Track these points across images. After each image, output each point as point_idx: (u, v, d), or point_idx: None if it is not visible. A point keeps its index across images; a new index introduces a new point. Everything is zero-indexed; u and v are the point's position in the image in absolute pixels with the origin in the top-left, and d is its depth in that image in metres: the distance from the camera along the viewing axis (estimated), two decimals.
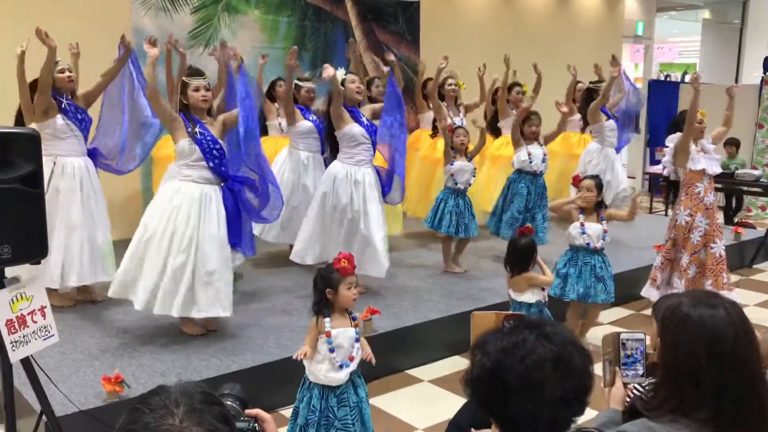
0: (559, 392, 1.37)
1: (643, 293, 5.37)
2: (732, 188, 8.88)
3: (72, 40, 5.93)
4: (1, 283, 2.61)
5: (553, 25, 10.36)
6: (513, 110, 7.07)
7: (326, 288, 3.03)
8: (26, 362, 2.72)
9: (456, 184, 5.69)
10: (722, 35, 14.37)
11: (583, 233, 4.63)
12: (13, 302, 2.61)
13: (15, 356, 2.61)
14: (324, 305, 3.05)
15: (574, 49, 10.22)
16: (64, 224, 4.57)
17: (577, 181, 4.82)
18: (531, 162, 5.79)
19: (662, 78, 14.05)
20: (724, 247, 5.12)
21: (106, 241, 4.81)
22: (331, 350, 3.01)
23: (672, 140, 5.09)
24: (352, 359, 3.07)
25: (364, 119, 5.00)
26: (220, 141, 4.20)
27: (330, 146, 5.12)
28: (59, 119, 4.57)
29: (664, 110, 11.16)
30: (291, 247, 6.04)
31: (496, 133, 7.27)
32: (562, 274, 4.70)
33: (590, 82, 7.11)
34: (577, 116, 7.34)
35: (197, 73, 4.29)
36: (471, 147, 5.85)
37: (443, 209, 5.70)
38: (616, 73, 6.51)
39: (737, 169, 8.74)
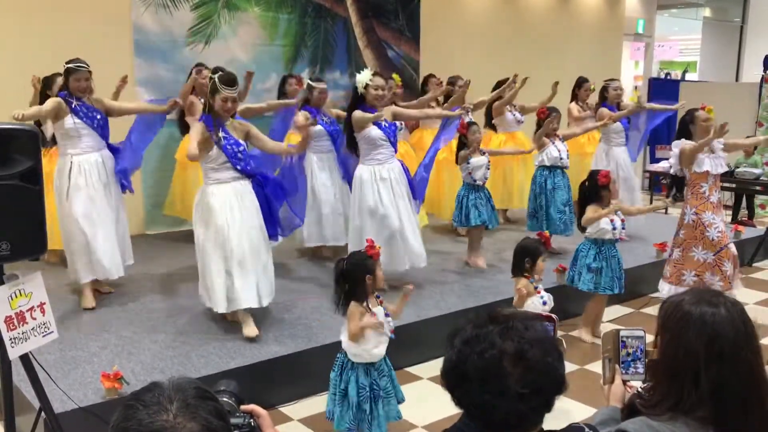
0: (519, 387, 1.37)
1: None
2: (732, 187, 8.87)
3: (71, 36, 5.95)
4: (1, 279, 2.60)
5: (553, 23, 10.34)
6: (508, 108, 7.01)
7: (365, 275, 3.27)
8: (25, 359, 2.72)
9: (474, 181, 5.72)
10: (723, 33, 14.35)
11: (614, 228, 4.70)
12: (12, 299, 2.61)
13: (14, 353, 2.61)
14: (364, 292, 3.28)
15: (574, 47, 10.22)
16: (91, 218, 4.64)
17: (606, 178, 4.71)
18: (561, 158, 6.01)
19: (662, 76, 14.03)
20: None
21: (125, 231, 4.94)
22: None
23: (677, 145, 5.11)
24: (391, 332, 3.36)
25: (382, 120, 5.00)
26: (243, 143, 4.26)
27: (351, 146, 5.13)
28: (68, 120, 4.61)
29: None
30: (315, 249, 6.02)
31: (493, 127, 7.29)
32: (595, 268, 4.73)
33: (605, 80, 7.06)
34: (589, 113, 7.31)
35: (231, 82, 4.16)
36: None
37: (467, 204, 5.74)
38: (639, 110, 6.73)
39: (737, 167, 8.73)
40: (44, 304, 2.75)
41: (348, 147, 5.19)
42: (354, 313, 3.26)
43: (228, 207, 4.16)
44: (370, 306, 3.29)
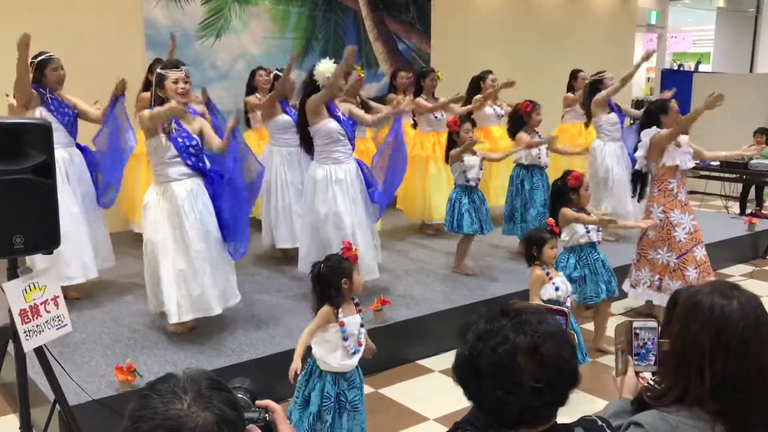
0: (532, 382, 1.36)
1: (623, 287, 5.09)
2: (744, 178, 8.80)
3: (83, 31, 5.96)
4: (15, 272, 2.63)
5: (565, 14, 10.28)
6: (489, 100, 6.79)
7: (341, 278, 3.09)
8: (39, 351, 2.74)
9: (468, 181, 5.37)
10: (737, 23, 14.23)
11: (588, 231, 4.47)
12: (26, 292, 2.63)
13: (28, 345, 2.64)
14: (339, 296, 3.10)
15: (586, 38, 10.15)
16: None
17: (576, 180, 4.48)
18: (540, 157, 5.75)
19: (675, 68, 13.94)
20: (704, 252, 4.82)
21: (101, 232, 4.75)
22: (345, 339, 3.08)
23: (648, 134, 4.75)
24: (360, 345, 3.16)
25: (340, 113, 4.65)
26: (196, 137, 4.03)
27: (303, 141, 4.76)
28: (37, 112, 4.45)
29: (677, 100, 11.05)
30: (282, 250, 5.69)
31: (473, 123, 7.08)
32: (576, 278, 4.40)
33: (592, 75, 6.69)
34: (579, 109, 7.07)
35: (175, 65, 4.05)
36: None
37: (460, 209, 5.37)
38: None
39: (751, 159, 8.64)
40: (58, 297, 2.77)
41: (302, 144, 4.80)
42: (323, 315, 3.09)
43: (182, 210, 3.93)
44: (342, 313, 3.08)
